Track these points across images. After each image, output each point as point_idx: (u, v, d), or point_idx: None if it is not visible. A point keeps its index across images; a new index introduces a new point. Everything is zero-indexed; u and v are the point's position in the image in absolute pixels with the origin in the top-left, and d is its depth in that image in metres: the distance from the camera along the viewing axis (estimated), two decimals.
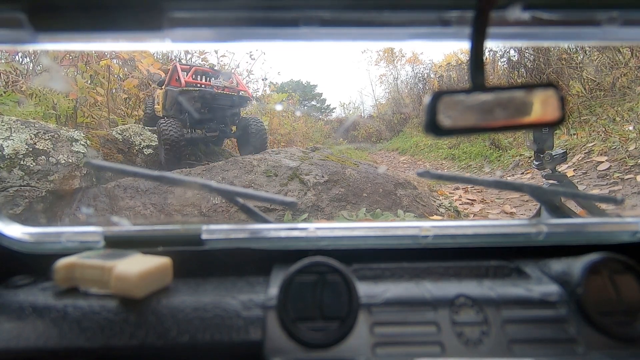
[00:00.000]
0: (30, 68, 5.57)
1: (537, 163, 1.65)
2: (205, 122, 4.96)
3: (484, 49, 0.45)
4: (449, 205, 3.49)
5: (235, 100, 5.02)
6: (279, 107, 9.67)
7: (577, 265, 0.63)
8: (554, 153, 1.59)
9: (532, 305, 0.61)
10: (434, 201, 3.49)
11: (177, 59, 8.39)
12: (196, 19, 0.49)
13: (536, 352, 0.56)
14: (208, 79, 5.09)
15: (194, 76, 5.03)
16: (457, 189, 4.46)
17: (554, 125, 0.45)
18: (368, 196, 3.10)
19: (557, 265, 0.67)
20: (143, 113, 6.39)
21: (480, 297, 0.62)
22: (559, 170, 1.64)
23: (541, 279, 0.66)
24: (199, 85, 4.89)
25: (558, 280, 0.65)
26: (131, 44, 0.52)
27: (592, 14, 0.50)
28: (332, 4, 0.48)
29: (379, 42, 0.54)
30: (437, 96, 0.44)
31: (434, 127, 0.44)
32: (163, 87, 5.41)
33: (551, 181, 1.63)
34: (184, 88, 4.78)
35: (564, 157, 1.64)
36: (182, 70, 5.09)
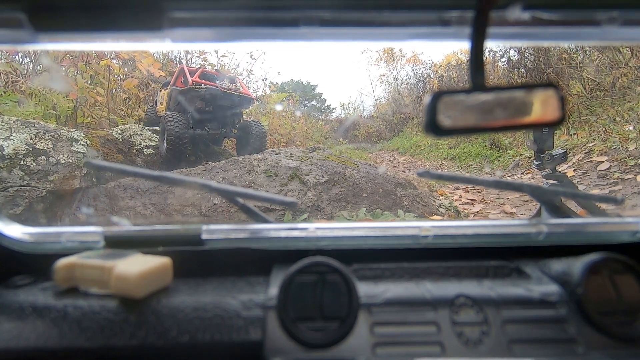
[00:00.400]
0: (31, 68, 5.57)
1: (537, 163, 1.65)
2: (208, 121, 5.04)
3: (484, 49, 0.45)
4: (449, 205, 3.48)
5: (238, 101, 5.11)
6: (279, 107, 9.66)
7: (577, 265, 0.63)
8: (554, 153, 1.59)
9: (532, 305, 0.61)
10: (434, 201, 3.48)
11: (177, 59, 8.44)
12: (196, 19, 0.49)
13: (536, 352, 0.56)
14: (214, 80, 5.19)
15: (200, 77, 5.14)
16: (457, 189, 4.46)
17: (554, 125, 0.45)
18: (368, 196, 3.10)
19: (557, 265, 0.67)
20: (144, 114, 6.42)
21: (480, 297, 0.62)
22: (559, 170, 1.64)
23: (541, 279, 0.66)
24: (204, 85, 4.98)
25: (558, 280, 0.65)
26: (131, 44, 0.52)
27: (592, 14, 0.50)
28: (332, 4, 0.48)
29: (379, 42, 0.54)
30: (437, 96, 0.44)
31: (434, 127, 0.44)
32: (168, 88, 5.48)
33: (551, 181, 1.63)
34: (190, 86, 4.87)
35: (564, 157, 1.64)
36: (190, 71, 5.20)
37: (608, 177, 3.77)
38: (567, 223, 0.76)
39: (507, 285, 0.64)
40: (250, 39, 0.53)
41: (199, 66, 6.95)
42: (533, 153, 1.68)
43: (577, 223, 0.76)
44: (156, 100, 6.16)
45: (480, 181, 0.96)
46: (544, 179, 1.64)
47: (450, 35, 0.52)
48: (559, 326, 0.58)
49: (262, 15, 0.49)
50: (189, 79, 5.01)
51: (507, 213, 3.49)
